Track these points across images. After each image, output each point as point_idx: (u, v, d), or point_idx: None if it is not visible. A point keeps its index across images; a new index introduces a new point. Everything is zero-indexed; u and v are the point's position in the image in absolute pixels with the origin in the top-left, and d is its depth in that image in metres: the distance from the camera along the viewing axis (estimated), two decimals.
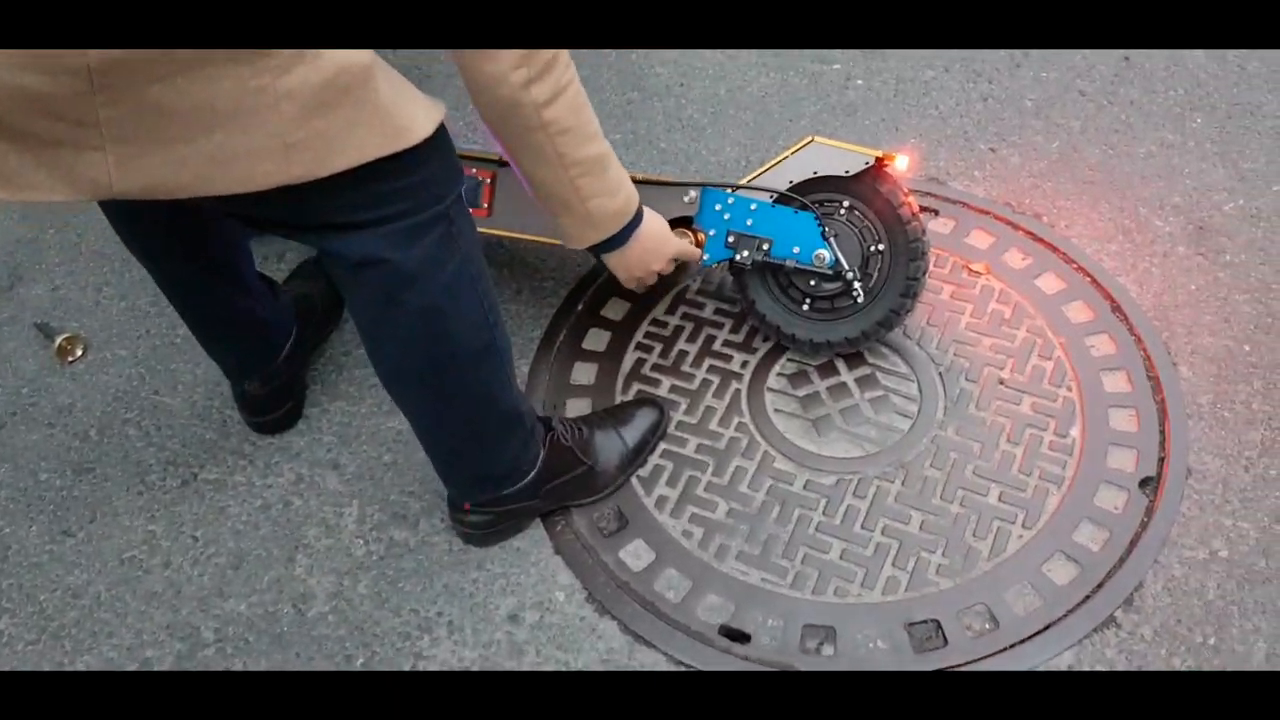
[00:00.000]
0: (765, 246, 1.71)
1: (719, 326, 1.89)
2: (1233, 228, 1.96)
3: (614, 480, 1.68)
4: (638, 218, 1.52)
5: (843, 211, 1.69)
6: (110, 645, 1.56)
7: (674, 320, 1.91)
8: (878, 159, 1.64)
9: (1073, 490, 1.64)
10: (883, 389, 1.78)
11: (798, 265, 1.70)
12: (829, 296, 1.74)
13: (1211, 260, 1.91)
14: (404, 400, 1.44)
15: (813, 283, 1.73)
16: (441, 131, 1.22)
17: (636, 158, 2.19)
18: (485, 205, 1.81)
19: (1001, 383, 1.78)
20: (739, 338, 1.87)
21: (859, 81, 2.31)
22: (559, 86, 1.25)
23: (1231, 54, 2.28)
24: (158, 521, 1.70)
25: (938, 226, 2.01)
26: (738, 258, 1.72)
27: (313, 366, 1.88)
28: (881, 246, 1.69)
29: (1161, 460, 1.66)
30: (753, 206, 1.70)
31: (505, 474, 1.55)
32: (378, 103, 1.10)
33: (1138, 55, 2.30)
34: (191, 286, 1.58)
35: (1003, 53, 2.33)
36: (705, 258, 1.73)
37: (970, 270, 1.94)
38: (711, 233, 1.73)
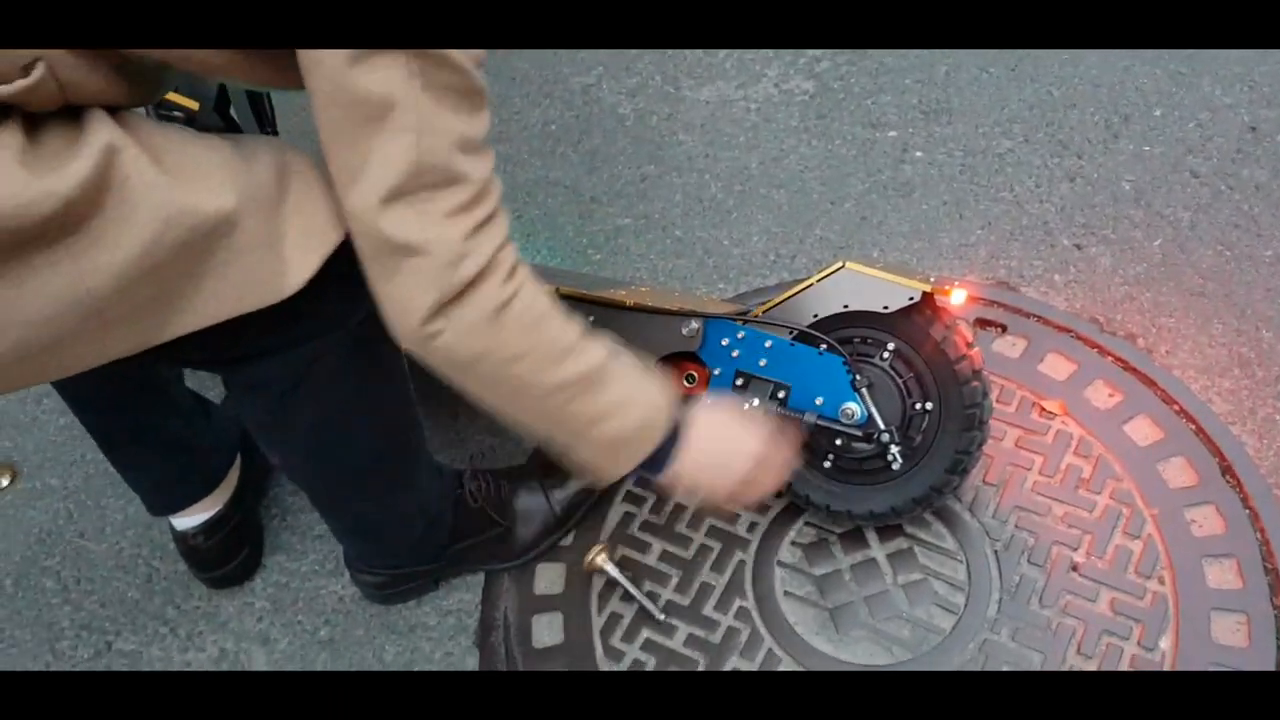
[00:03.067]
0: (781, 394, 1.38)
1: None
2: None
3: (534, 546, 1.51)
4: (677, 425, 1.15)
5: (885, 356, 1.35)
6: None
7: None
8: (925, 294, 1.30)
9: None
10: (922, 571, 1.43)
11: (820, 419, 1.37)
12: (858, 458, 1.40)
13: None
14: (299, 484, 1.38)
15: (839, 441, 1.39)
16: (338, 261, 0.99)
17: (647, 248, 1.87)
18: None
19: (1074, 569, 1.41)
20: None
21: (918, 153, 1.94)
22: (492, 308, 0.98)
23: None
24: None
25: (1004, 348, 1.64)
26: (746, 407, 1.39)
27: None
28: (930, 405, 1.35)
29: None
30: (768, 344, 1.37)
31: (403, 554, 1.46)
32: (232, 252, 0.94)
33: (1266, 125, 1.87)
34: (102, 403, 1.36)
35: (1096, 119, 1.93)
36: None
37: (1042, 410, 1.57)
38: (717, 372, 1.41)
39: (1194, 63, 2.00)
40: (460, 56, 0.88)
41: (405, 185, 0.90)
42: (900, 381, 1.35)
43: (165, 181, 0.89)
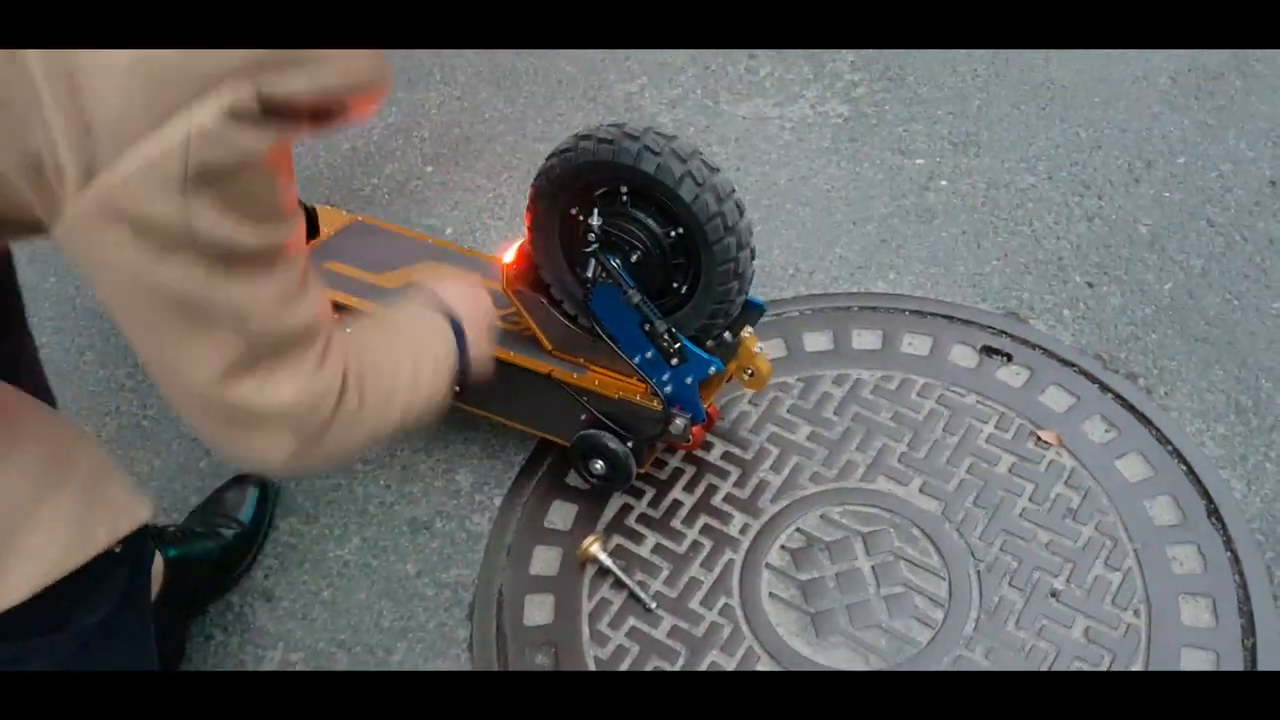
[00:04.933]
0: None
1: (724, 476, 1.62)
2: None
3: None
4: (457, 331, 1.18)
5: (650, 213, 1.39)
6: None
7: (674, 461, 1.65)
8: None
9: None
10: (904, 584, 1.48)
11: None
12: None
13: None
14: None
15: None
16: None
17: None
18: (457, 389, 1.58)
19: (1054, 595, 1.45)
20: (744, 493, 1.59)
21: (943, 182, 1.98)
22: (349, 420, 0.96)
23: None
24: None
25: (1008, 377, 1.68)
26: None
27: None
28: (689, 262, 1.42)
29: None
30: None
31: None
32: None
33: None
34: None
35: (1120, 162, 1.96)
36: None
37: (1039, 439, 1.61)
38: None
39: (1222, 115, 2.03)
40: (241, 234, 0.78)
41: (240, 364, 0.85)
42: (664, 243, 1.39)
43: None
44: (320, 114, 0.77)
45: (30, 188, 0.72)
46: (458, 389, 1.20)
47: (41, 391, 1.34)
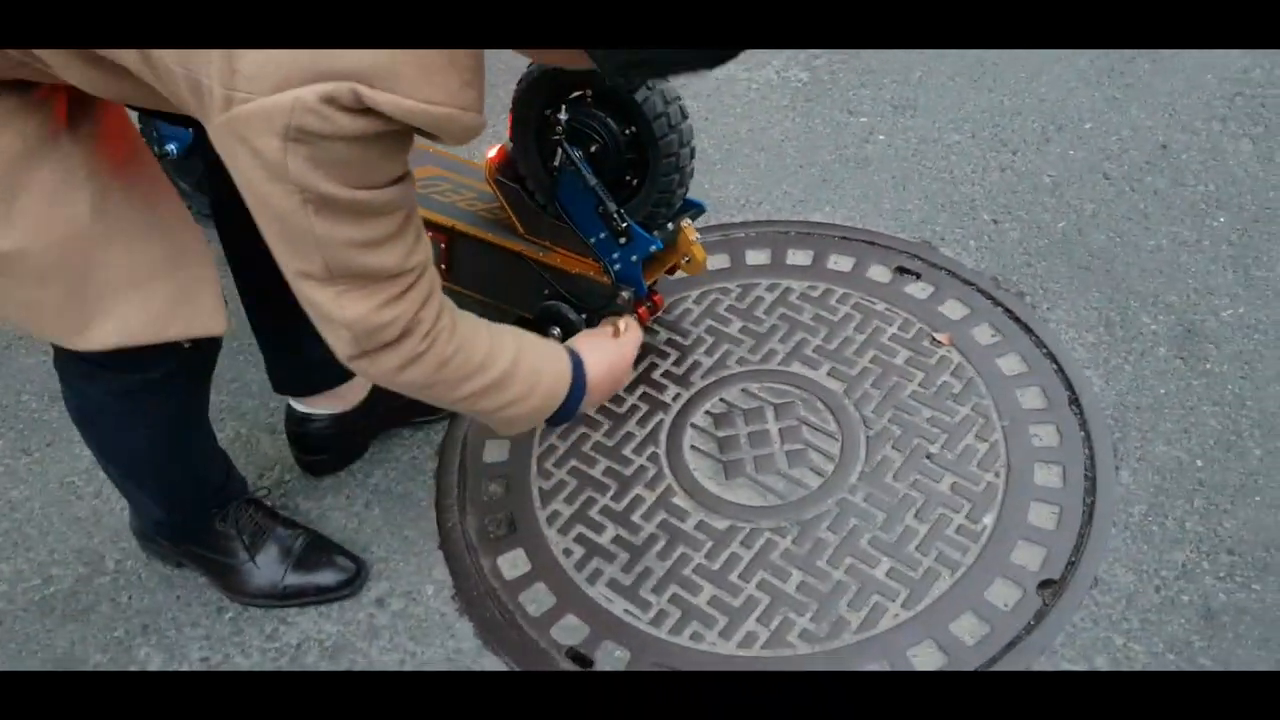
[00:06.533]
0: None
1: (664, 357, 1.89)
2: (1224, 335, 1.82)
3: (250, 598, 1.62)
4: (575, 389, 1.36)
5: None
6: (25, 558, 1.68)
7: None
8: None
9: (966, 578, 1.56)
10: (803, 443, 1.74)
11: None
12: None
13: (1190, 366, 1.79)
14: None
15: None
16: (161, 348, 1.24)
17: None
18: (443, 266, 1.86)
19: (929, 457, 1.71)
20: (680, 370, 1.86)
21: (881, 137, 2.27)
22: (408, 358, 1.16)
23: (1279, 154, 2.13)
24: None
25: (915, 291, 1.95)
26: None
27: None
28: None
29: (1071, 565, 1.57)
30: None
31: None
32: (14, 282, 1.16)
33: (1176, 144, 2.17)
34: (269, 263, 1.29)
35: (1035, 125, 2.24)
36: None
37: (934, 339, 1.87)
38: None
39: (1129, 91, 2.31)
40: (328, 186, 0.98)
41: (317, 276, 1.06)
42: (619, 139, 1.66)
43: None
44: (417, 129, 0.99)
45: (192, 97, 0.99)
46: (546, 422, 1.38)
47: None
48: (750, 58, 2.49)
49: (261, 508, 1.63)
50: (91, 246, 1.16)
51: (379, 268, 1.07)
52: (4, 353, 1.99)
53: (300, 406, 1.73)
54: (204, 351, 1.35)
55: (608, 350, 1.44)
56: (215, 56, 0.94)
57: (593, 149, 1.66)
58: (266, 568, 1.59)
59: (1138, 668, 1.45)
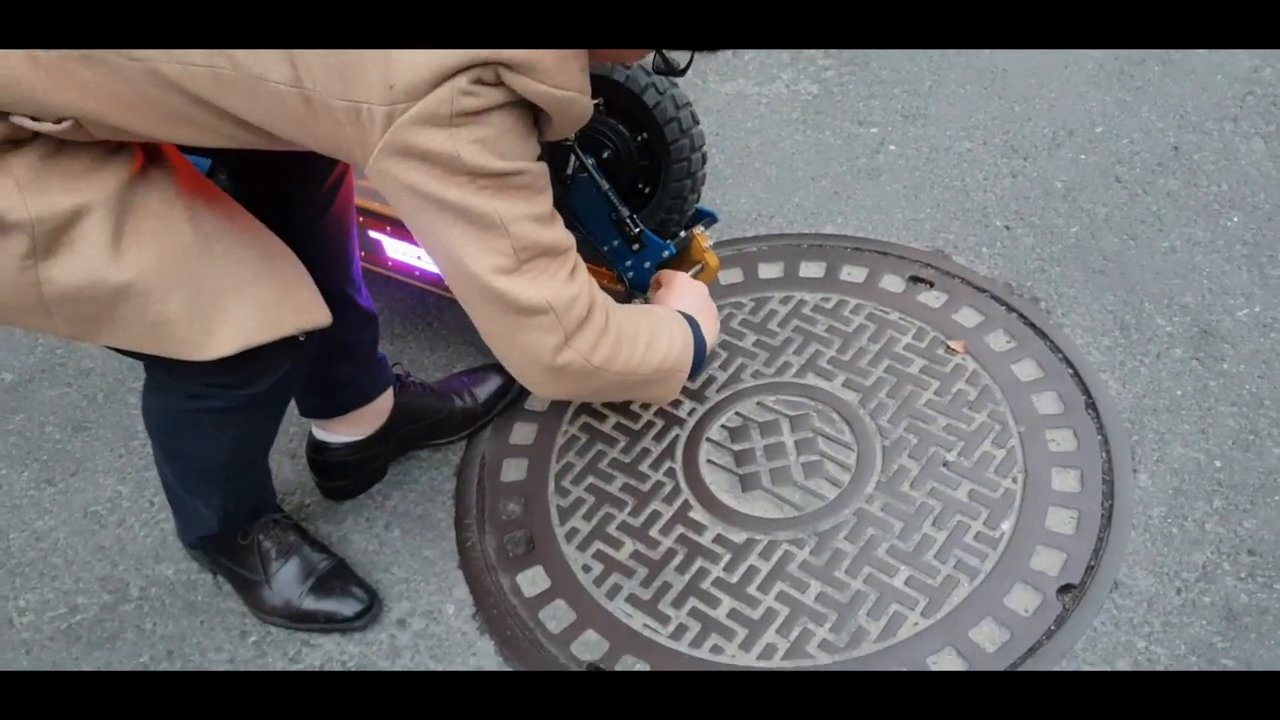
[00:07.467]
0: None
1: None
2: (1240, 335, 1.81)
3: (267, 615, 1.63)
4: (693, 324, 1.54)
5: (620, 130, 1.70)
6: (50, 587, 1.71)
7: None
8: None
9: (985, 585, 1.56)
10: (819, 454, 1.74)
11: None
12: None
13: (1207, 367, 1.78)
14: None
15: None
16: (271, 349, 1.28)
17: None
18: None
19: (945, 465, 1.71)
20: (694, 385, 1.87)
21: (891, 147, 2.27)
22: (599, 329, 1.30)
23: None
24: (127, 483, 1.85)
25: (929, 299, 1.95)
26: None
27: None
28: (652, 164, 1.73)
29: (1090, 569, 1.56)
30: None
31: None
32: (135, 309, 1.19)
33: (1188, 145, 2.16)
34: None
35: (1046, 131, 2.24)
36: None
37: (948, 347, 1.87)
38: None
39: (1139, 94, 2.30)
40: (495, 163, 1.10)
41: (508, 263, 1.17)
42: (631, 146, 1.70)
43: (95, 253, 1.14)
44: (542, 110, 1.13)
45: (352, 126, 1.07)
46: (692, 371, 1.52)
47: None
48: (761, 73, 2.51)
49: (294, 527, 1.66)
50: (197, 259, 1.21)
51: (554, 242, 1.20)
52: (27, 385, 2.03)
53: (320, 434, 1.75)
54: (309, 348, 1.38)
55: (692, 289, 1.63)
56: (372, 80, 1.03)
57: (605, 155, 1.68)
58: (283, 588, 1.61)
59: (1160, 670, 1.44)
